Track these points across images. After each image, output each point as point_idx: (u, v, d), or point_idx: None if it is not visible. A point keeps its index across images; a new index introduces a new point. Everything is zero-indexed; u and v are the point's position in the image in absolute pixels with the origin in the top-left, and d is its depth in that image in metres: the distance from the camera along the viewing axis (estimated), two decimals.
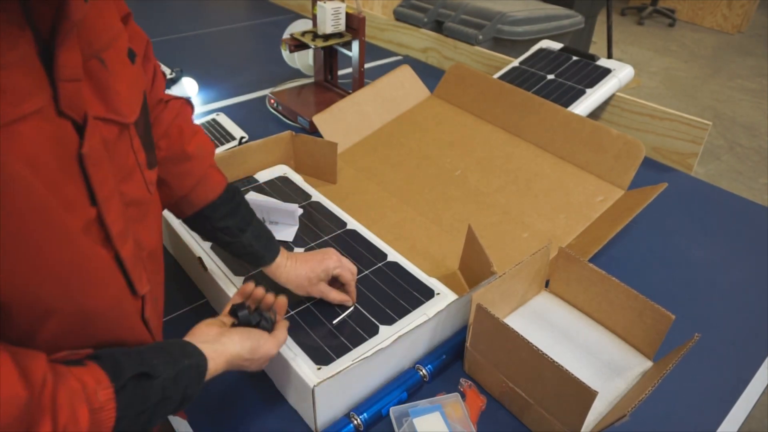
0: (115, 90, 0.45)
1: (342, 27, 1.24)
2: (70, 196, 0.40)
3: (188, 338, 0.54)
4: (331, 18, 1.21)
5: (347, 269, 0.72)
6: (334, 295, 0.72)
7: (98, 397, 0.40)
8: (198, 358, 0.50)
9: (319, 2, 1.20)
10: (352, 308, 0.73)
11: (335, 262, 0.71)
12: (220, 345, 0.53)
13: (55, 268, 0.38)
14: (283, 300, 0.64)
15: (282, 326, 0.61)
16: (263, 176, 0.99)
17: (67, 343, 0.42)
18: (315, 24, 1.27)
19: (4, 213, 0.34)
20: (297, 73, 1.56)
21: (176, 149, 0.62)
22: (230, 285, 0.73)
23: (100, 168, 0.42)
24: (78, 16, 0.38)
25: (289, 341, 0.66)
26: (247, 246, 0.66)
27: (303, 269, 0.70)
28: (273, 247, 0.69)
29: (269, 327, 0.59)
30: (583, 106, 1.22)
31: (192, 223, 0.67)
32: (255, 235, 0.67)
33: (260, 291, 0.63)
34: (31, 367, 0.36)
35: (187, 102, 0.67)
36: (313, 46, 1.24)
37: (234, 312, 0.58)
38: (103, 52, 0.44)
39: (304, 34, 1.28)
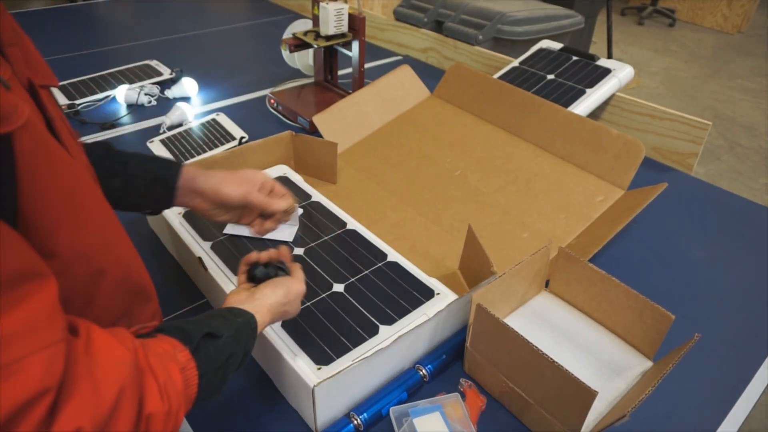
0: (33, 53, 0.44)
1: (345, 28, 1.23)
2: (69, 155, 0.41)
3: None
4: (333, 19, 1.20)
5: (277, 182, 0.69)
6: (279, 202, 0.67)
7: (179, 358, 0.42)
8: (247, 316, 0.52)
9: (321, 3, 1.20)
10: (297, 225, 0.72)
11: (263, 174, 0.68)
12: (257, 300, 0.55)
13: (94, 216, 0.42)
14: (284, 249, 0.64)
15: (296, 267, 0.63)
16: None
17: (116, 311, 0.45)
18: (315, 24, 1.27)
19: (55, 177, 0.36)
20: (297, 73, 1.56)
21: None
22: (230, 285, 0.73)
23: (62, 133, 0.43)
24: None
25: (289, 341, 0.66)
26: (141, 174, 0.61)
27: (226, 172, 0.66)
28: (171, 163, 0.64)
29: (287, 272, 0.61)
30: (583, 106, 1.22)
31: None
32: (141, 161, 0.63)
33: (262, 253, 0.63)
34: (121, 335, 0.39)
35: None
36: (315, 46, 1.24)
37: (252, 274, 0.60)
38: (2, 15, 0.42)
39: (306, 33, 1.28)
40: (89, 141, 0.62)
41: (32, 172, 0.34)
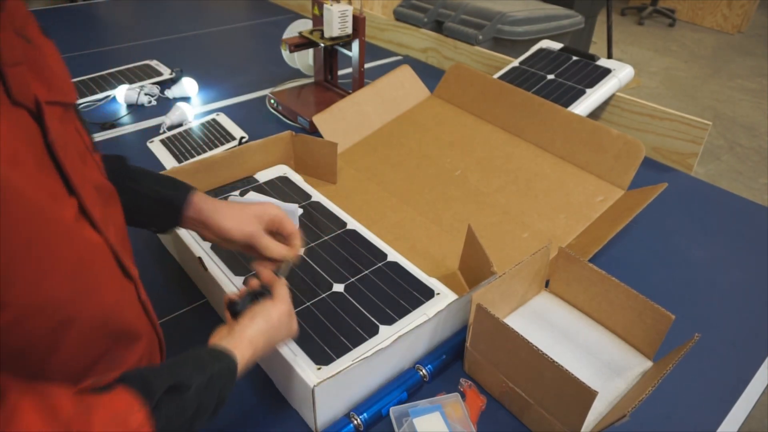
0: (51, 69, 0.42)
1: (349, 30, 1.23)
2: (53, 189, 0.38)
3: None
4: (338, 21, 1.20)
5: (287, 218, 0.65)
6: (277, 248, 0.63)
7: (131, 422, 0.38)
8: (226, 360, 0.49)
9: (325, 5, 1.20)
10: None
11: (274, 207, 0.65)
12: (236, 334, 0.52)
13: (63, 265, 0.38)
14: (265, 271, 0.60)
15: (279, 285, 0.58)
16: (263, 176, 0.99)
17: (90, 355, 0.42)
18: (315, 24, 1.27)
19: (5, 225, 0.33)
20: (297, 73, 1.56)
21: None
22: (230, 285, 0.73)
23: (67, 155, 0.40)
24: None
25: (289, 341, 0.66)
26: (150, 194, 0.60)
27: (235, 206, 0.63)
28: (181, 185, 0.62)
29: (270, 294, 0.58)
30: (583, 106, 1.22)
31: None
32: (153, 180, 0.61)
33: (243, 287, 0.60)
34: (58, 404, 0.35)
35: None
36: (323, 45, 1.24)
37: (233, 311, 0.57)
38: (24, 29, 0.40)
39: (312, 32, 1.28)
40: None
41: None
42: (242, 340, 0.52)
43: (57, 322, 0.38)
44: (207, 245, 0.80)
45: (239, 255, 0.79)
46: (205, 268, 0.75)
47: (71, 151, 0.42)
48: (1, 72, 0.35)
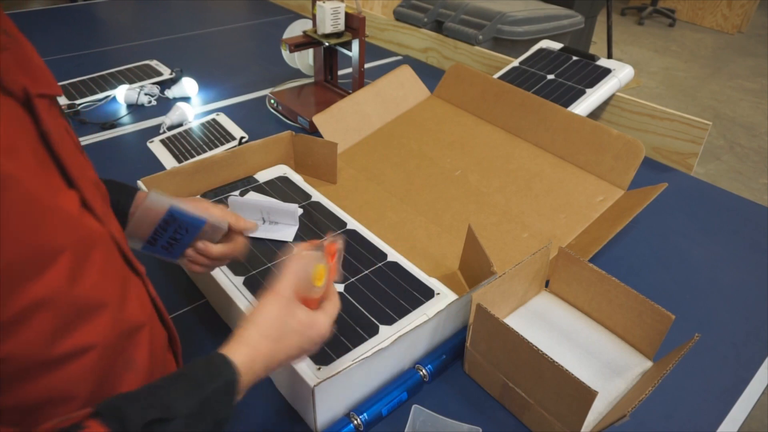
0: (33, 61, 0.39)
1: (341, 27, 1.24)
2: (53, 181, 0.37)
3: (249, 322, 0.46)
4: (330, 18, 1.21)
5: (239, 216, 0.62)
6: (242, 223, 0.62)
7: None
8: (227, 372, 0.42)
9: (318, 2, 1.20)
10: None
11: (220, 209, 0.62)
12: (251, 337, 0.45)
13: (67, 254, 0.36)
14: (334, 245, 0.53)
15: (332, 292, 0.52)
16: (263, 176, 0.99)
17: (106, 355, 0.40)
18: (315, 24, 1.27)
19: (5, 217, 0.31)
20: (297, 73, 1.56)
21: None
22: (230, 285, 0.73)
23: (63, 147, 0.39)
24: None
25: None
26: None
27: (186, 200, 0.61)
28: (126, 189, 0.61)
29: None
30: (583, 106, 1.22)
31: None
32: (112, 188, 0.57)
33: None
34: None
35: None
36: (326, 43, 1.24)
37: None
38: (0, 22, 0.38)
39: (316, 31, 1.28)
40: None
41: None
42: (257, 347, 0.45)
43: (60, 317, 0.36)
44: None
45: None
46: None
47: (66, 144, 0.41)
48: None
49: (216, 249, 0.62)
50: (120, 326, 0.43)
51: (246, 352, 0.45)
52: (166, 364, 0.52)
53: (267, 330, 0.47)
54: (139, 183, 0.88)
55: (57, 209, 0.36)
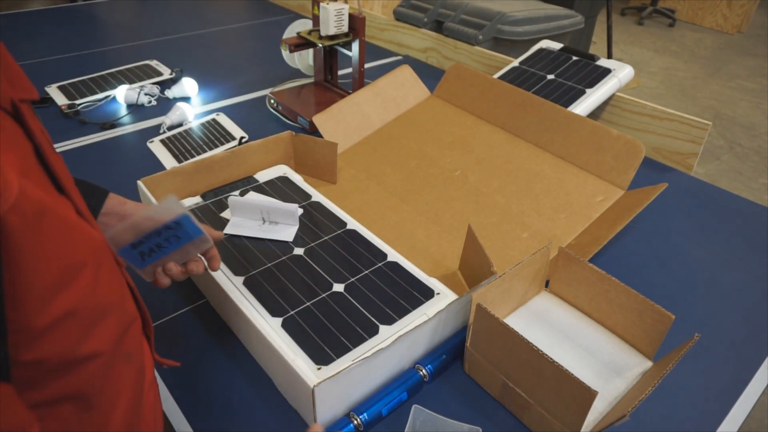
0: (9, 63, 0.38)
1: (345, 28, 1.23)
2: (50, 190, 0.37)
3: None
4: (334, 19, 1.20)
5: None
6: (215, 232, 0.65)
7: None
8: None
9: (322, 3, 1.20)
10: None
11: None
12: None
13: (85, 266, 0.37)
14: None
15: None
16: (263, 176, 0.99)
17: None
18: (315, 24, 1.27)
19: (52, 248, 0.33)
20: (297, 73, 1.56)
21: None
22: (230, 284, 0.73)
23: (51, 154, 0.38)
24: None
25: (289, 341, 0.66)
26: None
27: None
28: (97, 190, 0.61)
29: None
30: (583, 106, 1.22)
31: None
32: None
33: None
34: None
35: None
36: (320, 45, 1.24)
37: None
38: None
39: (310, 32, 1.28)
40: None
41: (18, 251, 0.31)
42: None
43: (84, 322, 0.38)
44: None
45: (239, 255, 0.79)
46: (205, 268, 0.75)
47: (50, 148, 0.40)
48: None
49: (177, 270, 0.63)
50: (122, 323, 0.45)
51: None
52: (144, 350, 0.52)
53: None
54: (139, 183, 0.88)
55: (79, 225, 0.38)
